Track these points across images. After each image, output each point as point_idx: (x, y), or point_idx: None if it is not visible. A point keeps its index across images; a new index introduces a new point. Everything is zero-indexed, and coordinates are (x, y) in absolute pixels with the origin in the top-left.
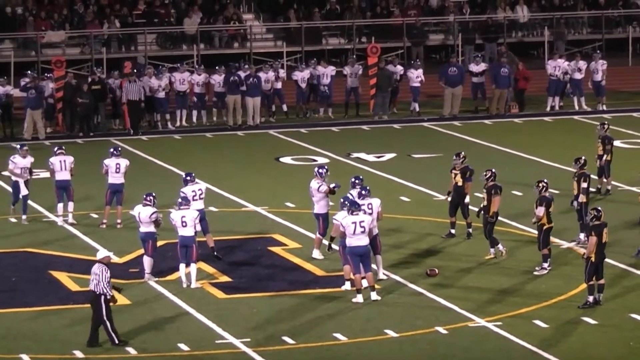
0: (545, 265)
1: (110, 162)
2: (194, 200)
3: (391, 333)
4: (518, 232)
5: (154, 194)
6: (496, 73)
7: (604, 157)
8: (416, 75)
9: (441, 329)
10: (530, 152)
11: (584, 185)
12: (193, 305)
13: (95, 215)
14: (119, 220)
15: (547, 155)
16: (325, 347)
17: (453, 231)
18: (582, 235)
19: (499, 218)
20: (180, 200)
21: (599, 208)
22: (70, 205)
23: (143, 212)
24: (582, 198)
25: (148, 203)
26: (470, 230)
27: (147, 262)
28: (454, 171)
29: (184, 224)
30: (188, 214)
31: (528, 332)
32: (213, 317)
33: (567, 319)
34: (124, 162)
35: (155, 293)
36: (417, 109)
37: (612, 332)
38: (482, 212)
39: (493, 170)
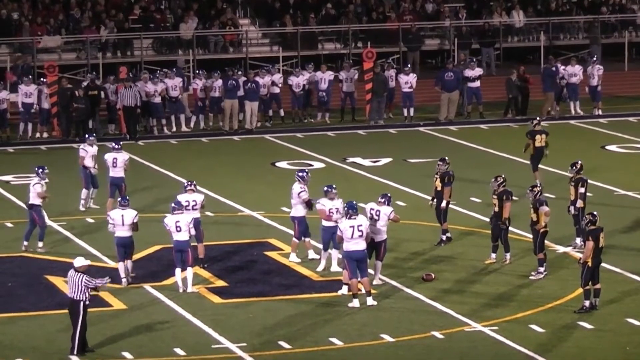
0: (541, 269)
1: (108, 157)
2: (186, 209)
3: (387, 338)
4: (514, 237)
5: (127, 197)
6: (548, 76)
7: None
8: (405, 81)
9: (437, 334)
10: (526, 157)
11: (581, 190)
12: (189, 310)
13: (91, 220)
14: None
15: (543, 160)
16: (321, 352)
17: (444, 237)
18: (578, 240)
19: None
20: (173, 205)
21: (595, 213)
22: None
23: (127, 215)
24: (579, 203)
25: (126, 205)
26: (444, 237)
27: (130, 265)
28: (435, 176)
29: (178, 229)
30: (182, 218)
31: (524, 336)
32: (209, 322)
33: (563, 324)
34: (121, 157)
35: (151, 298)
36: (411, 114)
37: (608, 336)
38: (493, 218)
39: (503, 176)
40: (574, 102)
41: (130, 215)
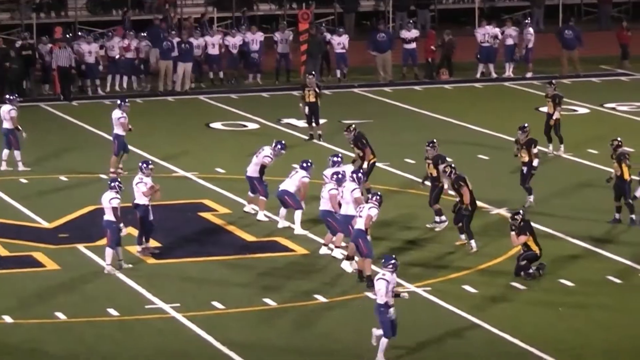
0: (437, 219)
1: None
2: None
3: (321, 298)
4: (450, 198)
5: (119, 180)
6: (561, 35)
7: None
8: (338, 42)
9: (371, 294)
10: (461, 118)
11: (535, 150)
12: (123, 271)
13: (24, 181)
14: (115, 169)
15: (477, 121)
16: (255, 312)
17: (438, 219)
18: (531, 198)
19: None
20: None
21: (521, 211)
22: (17, 154)
23: (105, 197)
24: (536, 162)
25: (114, 188)
26: (438, 218)
27: (107, 252)
28: (427, 160)
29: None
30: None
31: (458, 297)
32: (143, 283)
33: (496, 284)
34: (115, 114)
35: (85, 258)
36: (345, 76)
37: (541, 297)
38: (457, 205)
39: (452, 164)
40: (509, 63)
41: (106, 197)
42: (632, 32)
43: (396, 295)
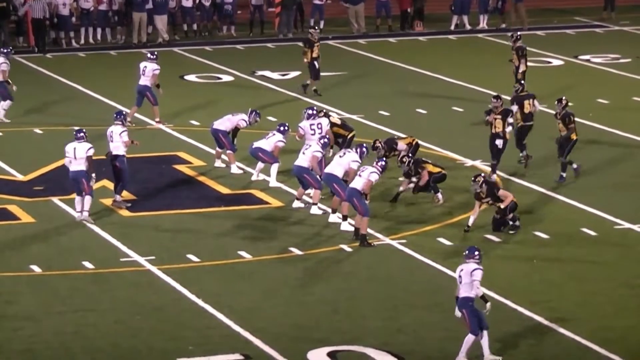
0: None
1: (141, 65)
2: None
3: (296, 251)
4: (424, 151)
5: (84, 130)
6: None
7: None
8: None
9: (345, 247)
10: (435, 70)
11: (510, 120)
12: (98, 224)
13: None
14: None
15: (452, 73)
16: (230, 265)
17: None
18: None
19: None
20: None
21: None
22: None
23: (79, 149)
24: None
25: (82, 139)
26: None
27: (87, 200)
28: (386, 157)
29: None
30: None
31: (433, 249)
32: (118, 235)
33: (471, 237)
34: (150, 66)
35: (60, 211)
36: (321, 27)
37: (516, 249)
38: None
39: (409, 155)
40: (483, 15)
41: (82, 148)
42: None
43: (482, 298)
